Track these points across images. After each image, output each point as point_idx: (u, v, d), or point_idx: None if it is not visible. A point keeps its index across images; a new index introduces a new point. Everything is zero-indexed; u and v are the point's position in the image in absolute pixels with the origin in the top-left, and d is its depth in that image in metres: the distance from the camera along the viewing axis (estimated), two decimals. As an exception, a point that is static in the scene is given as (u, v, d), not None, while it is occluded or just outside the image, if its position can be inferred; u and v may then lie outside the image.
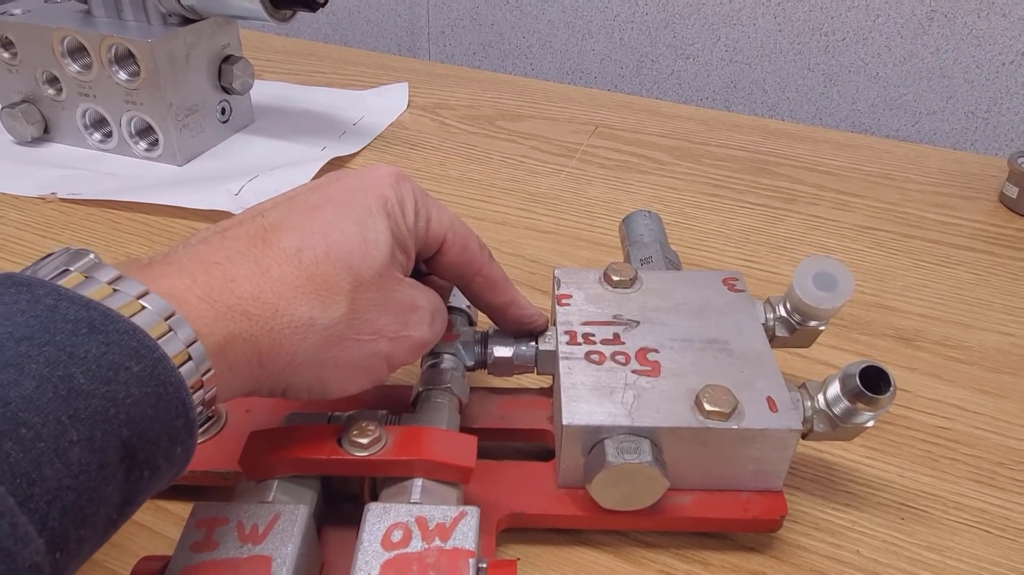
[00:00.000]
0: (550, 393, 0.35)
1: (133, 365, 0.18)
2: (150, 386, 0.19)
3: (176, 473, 0.21)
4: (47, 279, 0.19)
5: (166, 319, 0.20)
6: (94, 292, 0.19)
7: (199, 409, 0.21)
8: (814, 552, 0.31)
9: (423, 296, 0.28)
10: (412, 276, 0.28)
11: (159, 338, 0.19)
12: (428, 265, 0.30)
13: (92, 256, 0.20)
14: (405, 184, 0.28)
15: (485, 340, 0.33)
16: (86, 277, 0.20)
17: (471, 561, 0.24)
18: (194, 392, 0.20)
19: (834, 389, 0.29)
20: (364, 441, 0.28)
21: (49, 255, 0.21)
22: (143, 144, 0.58)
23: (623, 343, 0.32)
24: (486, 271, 0.30)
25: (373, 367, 0.26)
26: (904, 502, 0.33)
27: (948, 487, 0.34)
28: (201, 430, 0.22)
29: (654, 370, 0.31)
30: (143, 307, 0.20)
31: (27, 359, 0.17)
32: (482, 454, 0.29)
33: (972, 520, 0.33)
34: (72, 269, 0.20)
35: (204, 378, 0.21)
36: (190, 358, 0.20)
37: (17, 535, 0.16)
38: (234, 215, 0.27)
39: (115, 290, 0.20)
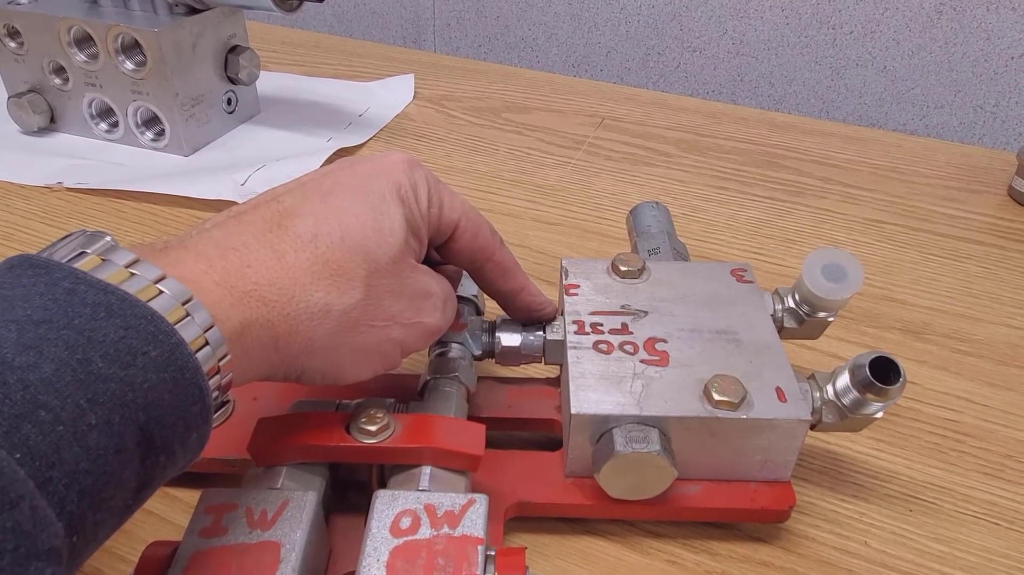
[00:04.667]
0: (557, 383, 0.35)
1: (151, 350, 0.18)
2: (167, 371, 0.19)
3: (191, 459, 0.21)
4: (64, 261, 0.19)
5: (183, 304, 0.20)
6: (111, 276, 0.19)
7: (215, 394, 0.21)
8: (822, 543, 0.31)
9: (436, 283, 0.28)
10: (424, 263, 0.28)
11: (176, 323, 0.19)
12: (440, 251, 0.30)
13: (108, 239, 0.20)
14: (418, 170, 0.28)
15: (493, 329, 0.33)
16: (103, 260, 0.20)
17: (480, 548, 0.24)
18: (210, 378, 0.20)
19: (843, 379, 0.29)
20: (373, 428, 0.28)
21: (65, 236, 0.20)
22: (149, 134, 0.58)
23: (631, 333, 0.32)
24: (498, 257, 0.30)
25: (387, 353, 0.26)
26: (912, 494, 0.34)
27: (956, 479, 0.34)
28: (216, 414, 0.22)
29: (663, 360, 0.31)
30: (160, 292, 0.20)
31: (46, 342, 0.17)
32: (489, 443, 0.29)
33: (981, 512, 0.33)
34: (89, 251, 0.20)
35: (220, 363, 0.21)
36: (207, 343, 0.20)
37: (36, 518, 0.16)
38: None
39: (132, 274, 0.20)
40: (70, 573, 0.17)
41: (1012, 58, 0.73)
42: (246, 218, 0.24)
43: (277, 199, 0.25)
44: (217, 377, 0.21)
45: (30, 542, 0.15)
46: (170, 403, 0.19)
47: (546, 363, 0.34)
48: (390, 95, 0.69)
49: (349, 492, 0.30)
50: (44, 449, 0.16)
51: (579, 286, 0.35)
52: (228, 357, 0.21)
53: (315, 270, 0.24)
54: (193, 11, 0.55)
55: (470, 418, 0.31)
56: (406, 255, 0.26)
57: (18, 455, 0.16)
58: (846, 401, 0.29)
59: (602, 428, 0.29)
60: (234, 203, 0.50)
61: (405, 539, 0.25)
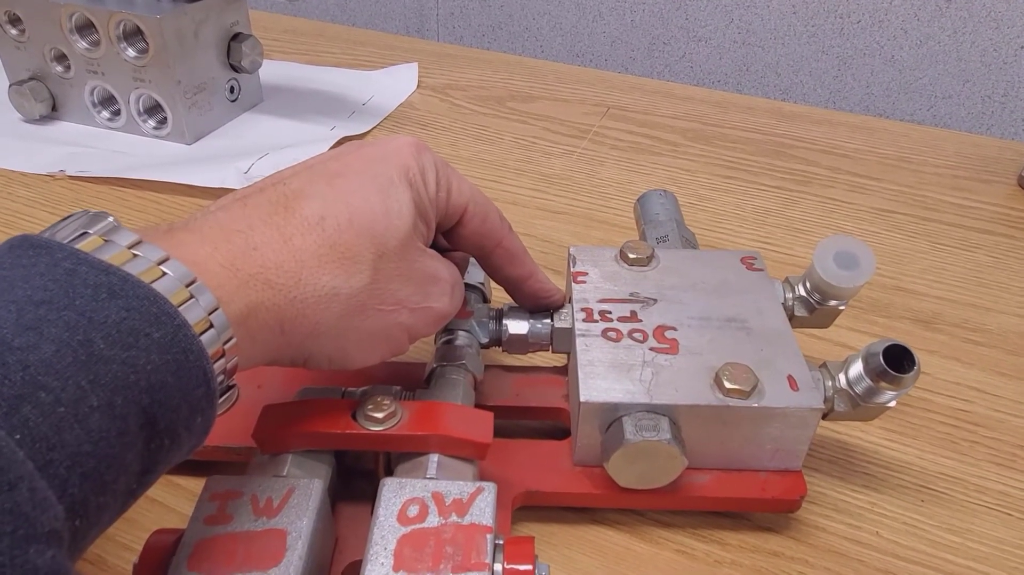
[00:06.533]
0: (565, 371, 0.35)
1: (153, 331, 0.18)
2: (171, 353, 0.18)
3: (196, 444, 0.21)
4: (65, 242, 0.19)
5: (187, 286, 0.20)
6: (113, 257, 0.19)
7: (220, 378, 0.20)
8: (833, 533, 0.31)
9: (444, 267, 0.27)
10: (431, 250, 0.28)
11: (180, 305, 0.19)
12: (448, 237, 0.30)
13: (111, 219, 0.20)
14: (426, 154, 0.27)
15: (500, 317, 0.33)
16: (105, 241, 0.19)
17: (488, 537, 0.24)
18: (215, 361, 0.20)
19: (856, 368, 0.29)
20: (379, 415, 0.27)
21: (67, 217, 0.20)
22: (152, 122, 0.58)
23: (640, 321, 0.32)
24: (506, 243, 0.30)
25: (394, 337, 0.26)
26: (924, 484, 0.33)
27: (968, 470, 0.34)
28: (221, 399, 0.21)
29: (672, 348, 0.30)
30: (164, 273, 0.19)
31: (46, 323, 0.17)
32: (496, 432, 0.28)
33: (993, 503, 0.32)
34: (91, 232, 0.19)
35: (226, 347, 0.20)
36: (211, 326, 0.20)
37: (36, 500, 0.15)
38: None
39: (135, 255, 0.19)
40: (73, 557, 0.17)
41: (1021, 47, 0.72)
42: (252, 201, 0.24)
43: (284, 182, 0.25)
44: (222, 360, 0.20)
45: (29, 524, 0.15)
46: (174, 386, 0.19)
47: (554, 351, 0.33)
48: (394, 84, 0.69)
49: (355, 480, 0.30)
50: (44, 431, 0.16)
51: (587, 273, 0.34)
52: (233, 340, 0.21)
53: (322, 253, 0.23)
54: (195, -2, 0.55)
55: (477, 407, 0.31)
56: (414, 239, 0.26)
57: (17, 436, 0.15)
58: (859, 390, 0.29)
59: (611, 416, 0.29)
60: (237, 191, 0.49)
61: (413, 527, 0.24)
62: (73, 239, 0.19)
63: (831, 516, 0.32)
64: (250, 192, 0.25)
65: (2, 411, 0.15)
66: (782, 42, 0.81)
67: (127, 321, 0.18)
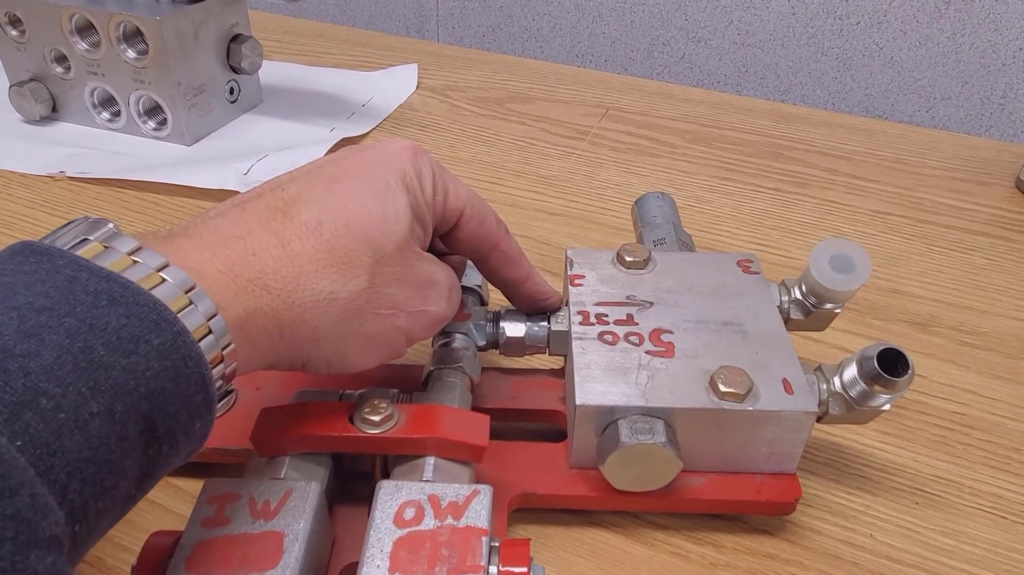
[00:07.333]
0: (562, 374, 0.35)
1: (153, 338, 0.18)
2: (170, 359, 0.19)
3: (194, 449, 0.21)
4: (66, 249, 0.19)
5: (186, 292, 0.20)
6: (114, 263, 0.19)
7: (218, 383, 0.21)
8: (827, 535, 0.31)
9: (441, 271, 0.28)
10: (429, 253, 0.28)
11: (179, 311, 0.19)
12: (445, 240, 0.30)
13: (111, 226, 0.20)
14: (423, 158, 0.28)
15: (497, 319, 0.33)
16: (105, 247, 0.19)
17: (484, 539, 0.24)
18: (214, 367, 0.20)
19: (851, 371, 0.29)
20: (376, 418, 0.27)
21: (68, 223, 0.20)
22: (151, 123, 0.58)
23: (637, 324, 0.32)
24: (503, 246, 0.30)
25: (392, 341, 0.26)
26: (918, 487, 0.33)
27: (963, 472, 0.34)
28: (219, 404, 0.21)
29: (668, 351, 0.31)
30: (163, 280, 0.20)
31: (47, 330, 0.17)
32: (493, 434, 0.29)
33: (987, 506, 0.33)
34: (91, 239, 0.19)
35: (224, 352, 0.21)
36: (210, 332, 0.20)
37: (37, 506, 0.15)
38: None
39: (135, 261, 0.19)
40: (73, 562, 0.17)
41: (1020, 49, 0.73)
42: (250, 206, 0.24)
43: (281, 187, 0.25)
44: (221, 366, 0.21)
45: (30, 530, 0.15)
46: (173, 392, 0.19)
47: (551, 354, 0.33)
48: (393, 85, 0.69)
49: (352, 482, 0.30)
50: (45, 437, 0.16)
51: (584, 276, 0.34)
52: (232, 346, 0.21)
53: (320, 258, 0.23)
54: (195, -1, 0.55)
55: (474, 409, 0.31)
56: (411, 243, 0.26)
57: (19, 443, 0.15)
58: (853, 393, 0.29)
59: (607, 419, 0.29)
60: (237, 192, 0.49)
61: (409, 530, 0.25)
62: (74, 246, 0.19)
63: (825, 518, 0.32)
64: (248, 198, 0.25)
65: (3, 417, 0.15)
66: (781, 43, 0.81)
67: (127, 328, 0.18)
